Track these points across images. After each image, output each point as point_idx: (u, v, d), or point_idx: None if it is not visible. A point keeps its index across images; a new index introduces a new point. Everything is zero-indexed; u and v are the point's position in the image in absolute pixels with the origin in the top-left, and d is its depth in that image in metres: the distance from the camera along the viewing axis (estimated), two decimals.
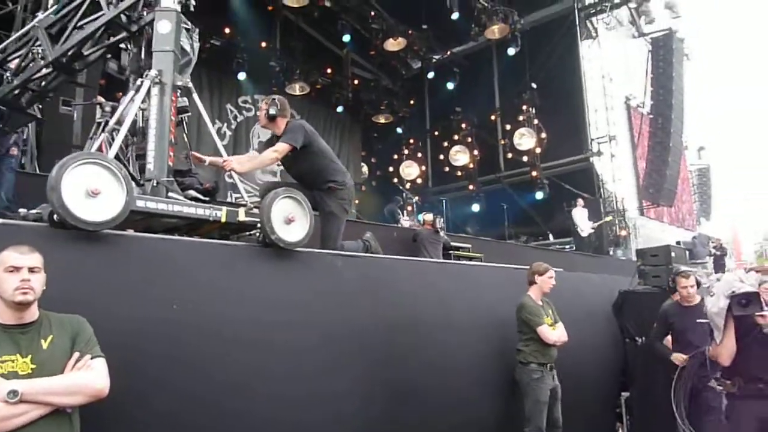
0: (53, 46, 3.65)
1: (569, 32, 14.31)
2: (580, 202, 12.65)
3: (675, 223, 19.16)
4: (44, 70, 3.84)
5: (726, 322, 3.33)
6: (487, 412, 4.44)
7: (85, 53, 3.86)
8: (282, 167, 4.80)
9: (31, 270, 2.02)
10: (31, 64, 3.81)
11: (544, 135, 14.62)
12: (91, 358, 2.07)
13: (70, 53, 3.72)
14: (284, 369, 3.14)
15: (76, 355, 2.05)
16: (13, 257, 2.01)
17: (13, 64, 3.96)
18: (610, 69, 15.46)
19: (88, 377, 2.02)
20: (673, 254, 6.23)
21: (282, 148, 4.04)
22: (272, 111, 4.16)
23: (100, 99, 5.37)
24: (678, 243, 8.97)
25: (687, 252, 7.88)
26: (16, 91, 3.91)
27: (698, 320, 4.15)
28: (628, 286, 6.42)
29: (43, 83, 4.05)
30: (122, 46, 3.85)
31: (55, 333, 2.06)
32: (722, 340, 3.36)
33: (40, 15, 3.89)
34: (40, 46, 3.70)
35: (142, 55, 3.65)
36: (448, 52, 16.37)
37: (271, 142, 4.32)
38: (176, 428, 2.71)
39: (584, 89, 14.10)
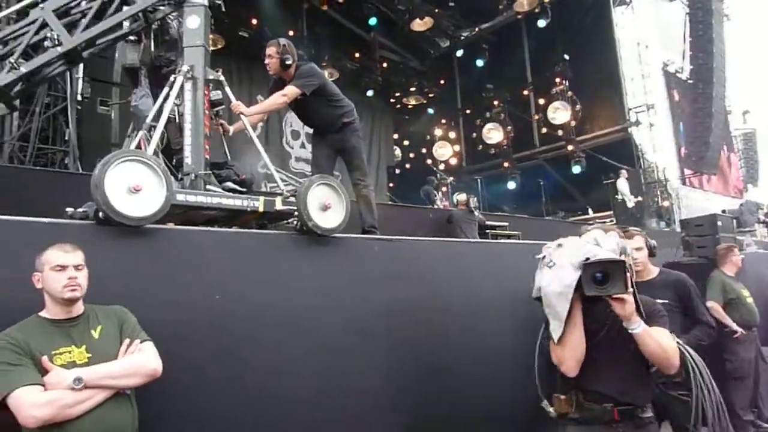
0: (70, 33, 3.42)
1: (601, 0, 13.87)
2: (624, 173, 12.36)
3: (720, 191, 18.52)
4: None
5: (572, 308, 2.31)
6: (520, 389, 4.43)
7: (98, 42, 3.69)
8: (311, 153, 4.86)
9: (76, 267, 2.13)
10: (38, 51, 3.49)
11: (579, 107, 14.29)
12: (141, 342, 2.19)
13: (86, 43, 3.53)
14: (322, 351, 3.19)
15: (127, 341, 2.17)
16: (59, 256, 2.11)
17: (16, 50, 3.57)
18: (645, 35, 14.93)
19: (142, 359, 2.14)
20: (719, 223, 6.04)
21: (292, 92, 4.09)
22: (288, 60, 4.19)
23: None
24: (724, 212, 8.67)
25: (734, 220, 7.62)
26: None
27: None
28: (672, 258, 6.27)
29: (45, 72, 3.74)
30: (132, 37, 3.87)
31: (103, 323, 2.18)
32: (564, 335, 2.32)
33: None
34: (49, 31, 3.41)
35: (151, 48, 3.71)
36: (476, 29, 16.12)
37: (277, 85, 4.35)
38: (222, 413, 2.79)
39: (619, 58, 13.69)
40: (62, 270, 2.10)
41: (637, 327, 2.27)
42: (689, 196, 15.53)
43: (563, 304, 2.32)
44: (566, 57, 14.37)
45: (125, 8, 3.45)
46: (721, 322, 5.07)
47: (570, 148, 14.21)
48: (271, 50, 4.27)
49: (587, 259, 2.26)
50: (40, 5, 3.44)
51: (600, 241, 2.46)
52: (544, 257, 2.53)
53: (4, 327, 2.16)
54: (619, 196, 12.20)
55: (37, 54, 3.41)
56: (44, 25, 3.35)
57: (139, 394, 2.20)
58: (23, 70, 3.27)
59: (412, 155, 18.07)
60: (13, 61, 3.24)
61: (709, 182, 17.76)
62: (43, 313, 2.14)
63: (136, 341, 2.18)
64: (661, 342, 2.30)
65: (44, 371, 1.98)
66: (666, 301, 3.19)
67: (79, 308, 2.18)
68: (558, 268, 2.39)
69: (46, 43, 3.35)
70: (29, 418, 1.87)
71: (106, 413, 2.01)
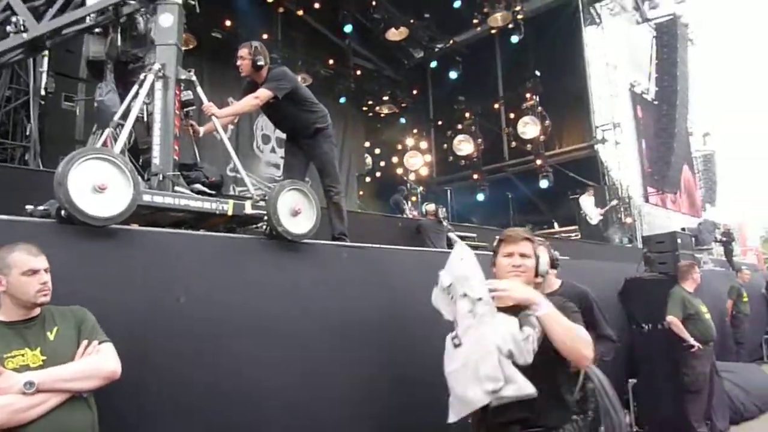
0: (37, 21, 3.29)
1: (573, 19, 14.19)
2: (590, 190, 12.61)
3: (687, 209, 19.10)
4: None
5: None
6: None
7: (63, 32, 3.59)
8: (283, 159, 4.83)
9: (46, 271, 2.10)
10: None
11: (548, 123, 14.56)
12: (99, 343, 2.13)
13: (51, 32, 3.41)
14: (290, 358, 3.16)
15: (85, 342, 2.11)
16: (29, 260, 2.07)
17: None
18: (614, 55, 15.34)
19: (100, 360, 2.09)
20: (679, 240, 6.22)
21: (264, 94, 4.08)
22: (260, 61, 4.17)
23: None
24: (683, 229, 8.94)
25: (693, 238, 7.86)
26: None
27: None
28: (634, 273, 6.42)
29: (2, 58, 3.62)
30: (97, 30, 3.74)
31: (60, 324, 2.12)
32: None
33: None
34: (13, 15, 3.28)
35: (118, 42, 3.64)
36: (451, 41, 16.28)
37: (250, 88, 4.32)
38: (183, 416, 2.73)
39: (588, 76, 14.01)
40: (34, 274, 2.06)
41: (542, 309, 2.08)
42: (651, 213, 15.95)
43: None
44: (537, 73, 14.64)
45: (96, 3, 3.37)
46: (680, 337, 5.22)
47: (538, 162, 14.44)
48: (243, 52, 4.25)
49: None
50: None
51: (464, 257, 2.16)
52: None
53: None
54: (583, 213, 12.45)
55: None
56: (7, 8, 3.23)
57: (101, 396, 2.14)
58: None
59: (382, 164, 18.10)
60: None
61: (674, 201, 18.28)
62: None
63: (94, 342, 2.13)
64: (570, 327, 2.10)
65: None
66: None
67: (36, 310, 2.11)
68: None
69: (9, 28, 3.22)
70: None
71: (61, 417, 1.95)
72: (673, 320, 5.27)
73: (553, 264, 3.37)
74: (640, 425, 5.84)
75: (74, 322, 2.16)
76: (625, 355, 6.04)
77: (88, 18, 3.54)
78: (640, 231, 13.91)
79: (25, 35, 3.23)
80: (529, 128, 14.66)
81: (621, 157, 14.49)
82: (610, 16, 15.67)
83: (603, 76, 14.75)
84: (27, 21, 3.22)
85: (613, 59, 15.26)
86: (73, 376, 2.00)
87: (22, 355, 1.99)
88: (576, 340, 2.10)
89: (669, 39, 17.12)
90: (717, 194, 23.15)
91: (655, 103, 17.48)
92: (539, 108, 14.60)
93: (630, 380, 5.94)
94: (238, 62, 4.28)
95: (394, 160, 17.72)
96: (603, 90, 14.60)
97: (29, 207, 2.88)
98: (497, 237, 2.45)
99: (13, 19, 3.22)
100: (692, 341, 5.17)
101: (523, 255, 2.31)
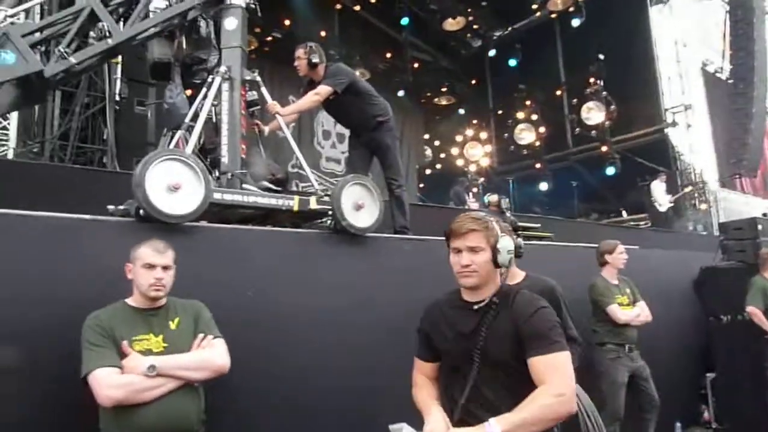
0: (120, 26, 3.39)
1: None
2: (662, 176, 12.07)
3: (761, 193, 17.96)
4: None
5: None
6: None
7: (138, 37, 3.61)
8: (345, 153, 4.90)
9: (164, 268, 2.27)
10: (87, 42, 3.43)
11: (613, 108, 14.03)
12: (213, 338, 2.31)
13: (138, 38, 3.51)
14: (354, 349, 3.22)
15: (201, 335, 2.29)
16: (150, 255, 2.26)
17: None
18: (683, 34, 14.57)
19: (213, 354, 2.26)
20: (759, 227, 5.88)
21: (324, 90, 4.15)
22: (315, 59, 4.25)
23: None
24: (765, 215, 8.42)
25: None
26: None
27: None
28: (710, 262, 6.13)
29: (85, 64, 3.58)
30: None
31: (181, 315, 2.32)
32: None
33: None
34: (96, 22, 3.33)
35: (184, 45, 3.78)
36: (509, 28, 15.97)
37: (310, 87, 4.40)
38: (256, 407, 2.84)
39: (656, 57, 13.39)
40: (151, 269, 2.25)
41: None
42: (728, 198, 15.11)
43: None
44: (601, 56, 14.10)
45: (172, 5, 3.49)
46: (762, 328, 4.95)
47: (604, 149, 13.95)
48: (299, 52, 4.37)
49: None
50: None
51: None
52: None
53: (35, 317, 2.28)
54: (653, 199, 11.93)
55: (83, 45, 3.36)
56: (92, 14, 3.29)
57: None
58: (73, 60, 3.21)
59: (442, 155, 17.99)
60: (62, 50, 3.18)
61: (752, 185, 17.23)
62: (129, 300, 2.30)
63: (209, 337, 2.30)
64: (534, 419, 1.74)
65: (123, 355, 2.12)
66: None
67: (162, 300, 2.32)
68: None
69: (92, 34, 3.34)
70: (104, 397, 2.03)
71: (174, 402, 2.13)
72: (754, 310, 5.00)
73: (517, 253, 3.01)
74: (720, 422, 5.58)
75: (193, 314, 2.36)
76: (701, 349, 5.79)
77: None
78: (716, 218, 13.21)
79: (110, 41, 3.31)
80: (594, 114, 14.18)
81: (693, 140, 13.79)
82: None
83: (672, 56, 14.05)
84: (111, 27, 3.31)
85: (683, 37, 14.51)
86: (189, 366, 2.18)
87: (147, 340, 2.20)
88: (550, 419, 1.78)
89: (744, 13, 16.05)
90: None
91: (730, 81, 16.47)
92: (604, 92, 14.09)
93: (708, 374, 5.69)
94: (296, 62, 4.40)
95: (454, 151, 17.60)
96: (672, 70, 13.92)
97: (111, 207, 3.06)
98: (449, 225, 2.06)
99: (99, 25, 3.31)
100: None
101: (472, 249, 1.95)
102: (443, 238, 2.08)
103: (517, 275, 3.30)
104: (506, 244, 1.99)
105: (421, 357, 2.18)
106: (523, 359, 1.86)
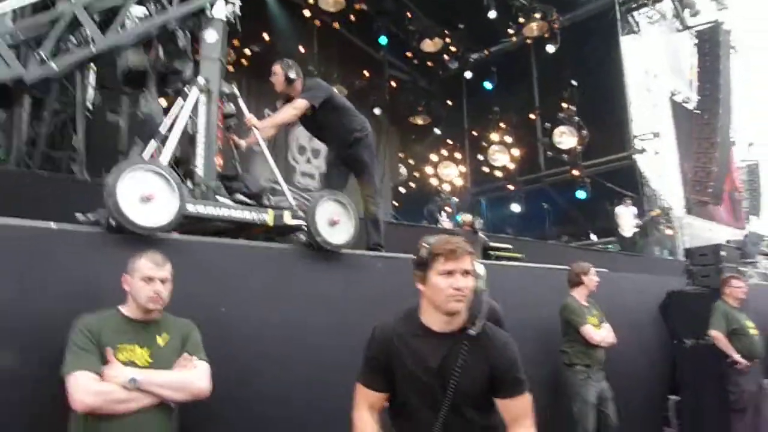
0: (103, 33, 3.30)
1: (610, 28, 13.99)
2: (628, 201, 12.35)
3: (723, 221, 18.50)
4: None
5: None
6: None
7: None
8: (321, 170, 4.90)
9: (162, 281, 2.25)
10: (68, 47, 3.33)
11: (585, 133, 14.34)
12: (197, 360, 2.27)
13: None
14: (326, 367, 3.18)
15: (185, 355, 2.25)
16: (149, 268, 2.24)
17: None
18: (653, 64, 15.05)
19: (194, 376, 2.22)
20: (723, 253, 6.06)
21: (301, 104, 4.14)
22: (291, 74, 4.24)
23: None
24: (728, 242, 8.68)
25: (738, 251, 7.62)
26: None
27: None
28: (676, 286, 6.27)
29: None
30: None
31: (171, 333, 2.28)
32: None
33: None
34: (77, 27, 3.26)
35: (161, 54, 3.75)
36: (486, 52, 16.26)
37: (287, 104, 4.39)
38: (224, 425, 2.78)
39: (626, 85, 13.76)
40: (150, 282, 2.22)
41: None
42: (693, 225, 15.53)
43: None
44: (574, 83, 14.46)
45: (152, 14, 3.46)
46: (724, 353, 5.06)
47: (575, 172, 14.23)
48: (275, 68, 4.35)
49: None
50: None
51: None
52: None
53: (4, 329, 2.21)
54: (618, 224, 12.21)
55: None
56: (74, 20, 3.24)
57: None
58: (54, 66, 3.16)
59: (416, 174, 18.11)
60: (44, 54, 3.11)
61: (717, 213, 17.74)
62: (122, 308, 2.26)
63: (194, 357, 2.26)
64: None
65: (106, 361, 2.08)
66: None
67: (156, 313, 2.29)
68: None
69: (73, 40, 3.27)
70: (79, 402, 1.98)
71: (146, 419, 2.08)
72: (717, 335, 5.12)
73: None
74: None
75: (182, 333, 2.32)
76: (665, 371, 5.89)
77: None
78: (681, 243, 13.54)
79: (93, 48, 3.28)
80: (566, 138, 14.47)
81: (661, 167, 14.17)
82: (649, 24, 15.39)
83: (642, 85, 14.48)
84: (94, 34, 3.27)
85: (653, 67, 14.98)
86: (169, 385, 2.14)
87: (132, 351, 2.16)
88: None
89: (711, 47, 16.70)
90: (762, 205, 22.39)
91: (697, 112, 17.05)
92: (576, 118, 14.41)
93: (671, 397, 5.78)
94: (272, 78, 4.38)
95: (429, 170, 17.71)
96: (642, 99, 14.33)
97: (80, 216, 2.99)
98: (426, 246, 1.96)
99: (83, 31, 3.26)
100: (737, 357, 5.01)
101: (466, 272, 1.90)
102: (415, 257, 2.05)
103: None
104: (481, 270, 2.00)
105: (372, 387, 2.04)
106: (491, 394, 1.91)
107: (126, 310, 2.27)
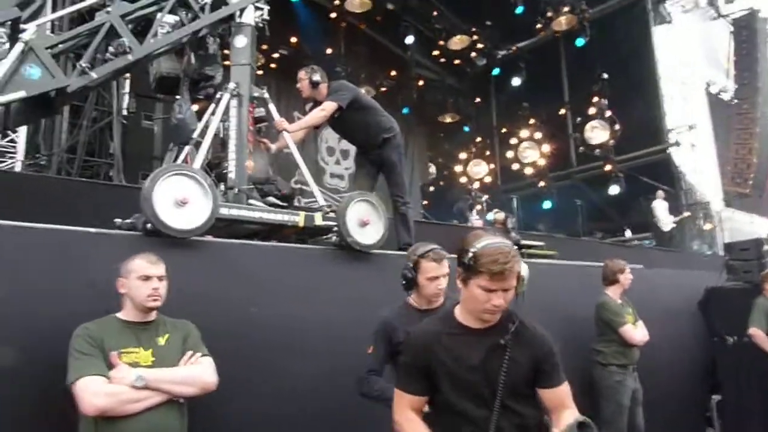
0: (140, 41, 3.41)
1: (641, 18, 13.68)
2: (660, 194, 12.07)
3: (766, 214, 17.91)
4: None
5: None
6: None
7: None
8: (351, 171, 4.93)
9: (159, 278, 2.30)
10: (106, 57, 3.42)
11: (617, 127, 14.07)
12: (201, 356, 2.31)
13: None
14: (359, 366, 3.20)
15: (189, 352, 2.29)
16: (145, 267, 2.28)
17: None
18: (687, 54, 14.66)
19: (201, 371, 2.26)
20: (765, 247, 5.87)
21: (329, 106, 4.17)
22: (316, 77, 4.28)
23: None
24: None
25: None
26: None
27: None
28: (715, 282, 6.10)
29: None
30: None
31: (171, 332, 2.32)
32: None
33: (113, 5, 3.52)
34: (114, 37, 3.36)
35: (192, 60, 3.82)
36: (514, 47, 16.09)
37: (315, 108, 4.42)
38: (254, 423, 2.83)
39: (659, 77, 13.44)
40: (147, 280, 2.26)
41: None
42: (732, 218, 15.08)
43: None
44: (605, 76, 14.18)
45: (184, 22, 3.54)
46: (764, 350, 4.91)
47: (608, 167, 13.96)
48: (300, 74, 4.41)
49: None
50: (107, 9, 3.44)
51: None
52: None
53: (45, 329, 2.29)
54: (655, 219, 11.93)
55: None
56: (110, 30, 3.34)
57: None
58: (94, 75, 3.27)
59: (446, 173, 18.04)
60: (84, 65, 3.23)
61: (759, 205, 17.19)
62: (120, 315, 2.30)
63: (197, 354, 2.30)
64: None
65: (111, 366, 2.11)
66: None
67: (152, 315, 2.33)
68: None
69: (110, 49, 3.36)
70: (90, 406, 2.00)
71: (158, 416, 2.11)
72: (756, 332, 4.97)
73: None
74: None
75: (183, 333, 2.35)
76: (705, 370, 5.74)
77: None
78: (720, 237, 13.17)
79: (130, 57, 3.35)
80: (597, 133, 14.21)
81: (697, 159, 13.80)
82: (682, 14, 14.99)
83: (676, 76, 14.12)
84: (131, 43, 3.35)
85: (687, 58, 14.59)
86: (177, 380, 2.18)
87: (136, 353, 2.19)
88: None
89: (748, 34, 16.19)
90: None
91: (734, 101, 16.57)
92: (608, 112, 14.15)
93: (713, 396, 5.63)
94: (298, 85, 4.43)
95: (458, 168, 17.63)
96: (676, 90, 13.98)
97: (117, 220, 3.08)
98: (472, 253, 1.82)
99: (120, 41, 3.34)
100: None
101: (507, 289, 1.84)
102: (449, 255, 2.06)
103: (437, 300, 2.90)
104: (525, 272, 1.93)
105: (415, 392, 1.98)
106: (534, 386, 1.93)
107: (124, 315, 2.29)
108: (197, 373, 2.24)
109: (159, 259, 2.34)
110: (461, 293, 1.95)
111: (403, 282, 2.71)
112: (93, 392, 2.01)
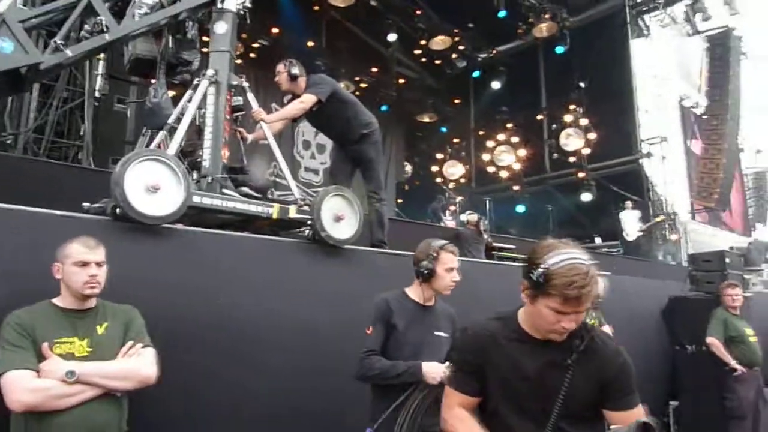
0: (117, 21, 3.30)
1: (620, 30, 13.90)
2: (629, 204, 12.33)
3: (728, 228, 18.44)
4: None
5: None
6: None
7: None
8: (326, 165, 4.90)
9: (98, 264, 2.16)
10: (81, 35, 3.36)
11: (592, 135, 14.30)
12: (142, 347, 2.19)
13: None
14: (325, 362, 3.19)
15: (129, 343, 2.17)
16: (81, 252, 2.14)
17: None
18: (663, 68, 14.98)
19: (138, 364, 2.14)
20: (727, 260, 6.04)
21: (308, 99, 4.14)
22: (294, 70, 4.25)
23: None
24: (732, 248, 8.64)
25: (742, 258, 7.60)
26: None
27: None
28: (678, 291, 6.25)
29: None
30: None
31: (110, 321, 2.19)
32: None
33: None
34: (91, 15, 3.27)
35: (170, 43, 3.75)
36: (494, 51, 16.20)
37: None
38: (218, 415, 2.80)
39: (634, 89, 13.70)
40: (84, 266, 2.13)
41: None
42: (697, 230, 15.47)
43: None
44: (582, 84, 14.40)
45: (164, 5, 3.46)
46: (721, 359, 5.05)
47: (581, 175, 14.19)
48: (279, 67, 4.37)
49: None
50: None
51: None
52: None
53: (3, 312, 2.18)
54: (622, 228, 12.19)
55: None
56: (88, 7, 3.24)
57: (133, 393, 2.19)
58: (69, 53, 3.15)
59: (421, 172, 18.08)
60: (59, 42, 3.11)
61: (722, 219, 17.68)
62: (56, 300, 2.17)
63: (138, 345, 2.18)
64: None
65: (43, 358, 1.99)
66: (446, 335, 2.72)
67: (92, 302, 2.20)
68: None
69: (87, 27, 3.26)
70: (16, 402, 1.90)
71: (91, 411, 2.00)
72: (713, 341, 5.12)
73: None
74: None
75: (123, 320, 2.23)
76: (666, 376, 5.88)
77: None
78: (685, 248, 13.50)
79: (107, 36, 3.26)
80: (572, 140, 14.43)
81: (667, 171, 14.11)
82: (660, 28, 15.30)
83: (650, 89, 14.41)
84: (109, 22, 3.25)
85: (662, 72, 14.90)
86: (111, 374, 2.06)
87: (71, 343, 2.07)
88: None
89: (722, 52, 16.63)
90: None
91: (705, 117, 17.00)
92: (583, 120, 14.37)
93: (671, 402, 5.77)
94: (276, 78, 4.38)
95: (434, 168, 17.69)
96: (650, 103, 14.27)
97: (86, 204, 3.00)
98: (544, 270, 1.61)
99: (96, 19, 3.25)
100: (734, 364, 5.00)
101: (579, 313, 1.65)
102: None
103: (432, 299, 2.89)
104: (603, 289, 1.82)
105: (467, 392, 1.81)
106: (601, 407, 1.74)
107: (60, 301, 2.17)
108: (134, 366, 2.12)
109: (98, 243, 2.21)
110: (525, 304, 1.77)
111: (424, 272, 2.72)
112: (20, 388, 1.90)
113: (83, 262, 2.13)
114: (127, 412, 2.18)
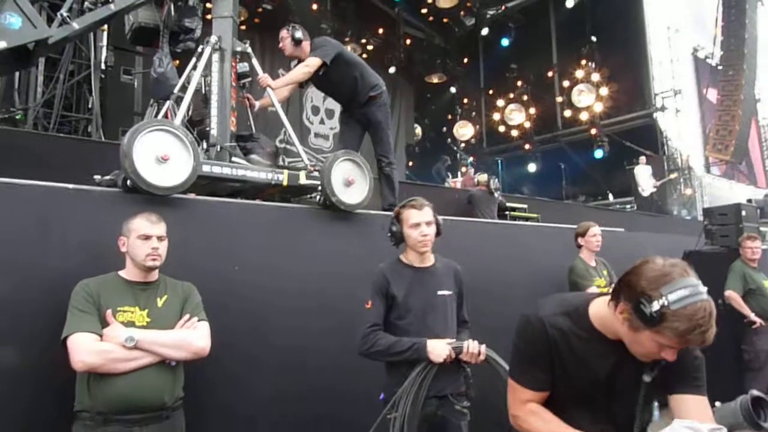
0: None
1: None
2: (643, 159, 12.16)
3: (746, 180, 18.17)
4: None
5: None
6: None
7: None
8: (335, 131, 4.85)
9: (159, 238, 2.29)
10: (86, 6, 3.42)
11: (604, 91, 14.03)
12: (198, 321, 2.31)
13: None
14: (339, 326, 3.21)
15: (186, 316, 2.29)
16: (145, 226, 2.28)
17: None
18: (676, 19, 14.55)
19: (193, 336, 2.25)
20: (743, 213, 5.95)
21: (313, 62, 4.07)
22: (298, 35, 4.17)
23: None
24: (749, 201, 8.53)
25: (758, 210, 7.50)
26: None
27: None
28: (693, 246, 6.20)
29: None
30: None
31: (170, 294, 2.32)
32: None
33: None
34: None
35: (172, 11, 3.70)
36: (503, 7, 15.82)
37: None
38: (239, 381, 2.85)
39: (648, 41, 13.38)
40: (147, 239, 2.26)
41: None
42: (713, 184, 15.28)
43: None
44: (593, 39, 14.07)
45: None
46: (739, 312, 5.04)
47: (593, 131, 14.01)
48: (282, 33, 4.27)
49: None
50: None
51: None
52: None
53: (21, 289, 2.29)
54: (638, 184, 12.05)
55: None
56: None
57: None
58: (76, 26, 3.15)
59: (432, 134, 17.94)
60: (65, 14, 3.10)
61: (738, 171, 17.40)
62: (121, 273, 2.31)
63: (194, 318, 2.30)
64: None
65: (106, 324, 2.12)
66: (450, 293, 2.67)
67: (154, 275, 2.33)
68: None
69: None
70: (79, 362, 2.03)
71: (146, 377, 2.12)
72: (732, 294, 5.09)
73: (439, 230, 2.72)
74: None
75: (182, 295, 2.35)
76: None
77: None
78: (700, 203, 13.37)
79: (112, 6, 3.25)
80: (584, 96, 14.19)
81: (681, 125, 13.87)
82: None
83: (663, 41, 14.04)
84: None
85: (675, 22, 14.48)
86: (167, 343, 2.17)
87: (132, 312, 2.20)
88: None
89: (737, 0, 16.08)
90: None
91: (720, 67, 16.56)
92: (595, 75, 14.08)
93: None
94: (280, 44, 4.30)
95: (444, 129, 17.54)
96: (663, 55, 13.93)
97: (97, 177, 3.01)
98: (662, 307, 1.37)
99: None
100: (753, 317, 4.99)
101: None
102: None
103: (428, 259, 2.76)
104: None
105: (536, 388, 1.69)
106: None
107: (125, 273, 2.30)
108: (189, 337, 2.24)
109: (159, 218, 2.33)
110: (601, 306, 1.63)
111: (389, 235, 2.70)
112: (84, 349, 2.03)
113: (146, 236, 2.26)
114: (183, 380, 2.30)
